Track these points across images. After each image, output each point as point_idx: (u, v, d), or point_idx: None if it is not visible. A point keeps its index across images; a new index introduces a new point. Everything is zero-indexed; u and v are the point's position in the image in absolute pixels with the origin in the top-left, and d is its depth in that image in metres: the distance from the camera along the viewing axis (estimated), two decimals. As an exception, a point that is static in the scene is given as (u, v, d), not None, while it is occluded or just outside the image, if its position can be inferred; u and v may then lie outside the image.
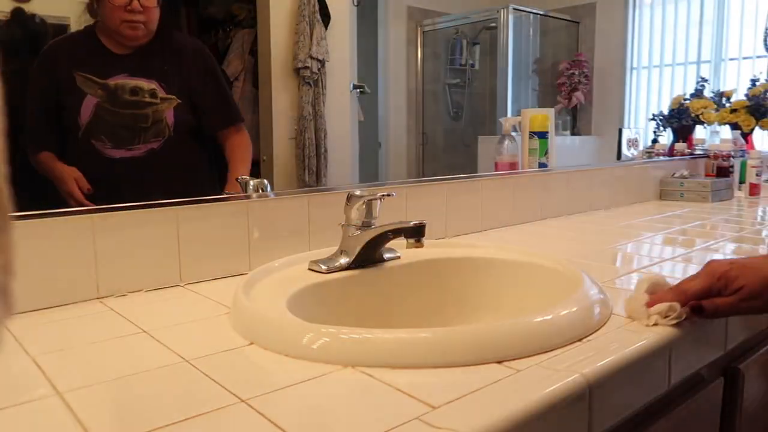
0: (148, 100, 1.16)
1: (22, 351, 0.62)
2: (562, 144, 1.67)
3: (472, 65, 3.25)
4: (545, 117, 1.56)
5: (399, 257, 0.93)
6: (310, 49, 1.39)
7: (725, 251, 1.11)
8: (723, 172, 2.06)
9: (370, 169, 1.70)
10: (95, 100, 1.14)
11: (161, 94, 1.17)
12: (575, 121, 2.97)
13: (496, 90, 3.04)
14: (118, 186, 1.13)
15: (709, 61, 2.73)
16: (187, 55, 1.27)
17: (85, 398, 0.51)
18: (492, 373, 0.55)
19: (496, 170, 1.52)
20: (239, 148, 1.29)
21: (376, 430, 0.45)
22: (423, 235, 0.85)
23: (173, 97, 1.18)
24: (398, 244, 0.90)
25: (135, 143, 1.16)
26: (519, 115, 1.64)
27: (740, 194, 2.05)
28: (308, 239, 1.03)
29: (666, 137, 2.34)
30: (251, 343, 0.64)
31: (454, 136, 3.23)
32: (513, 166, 1.52)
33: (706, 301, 0.65)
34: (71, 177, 1.11)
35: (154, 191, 0.99)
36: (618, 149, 2.12)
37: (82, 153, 1.14)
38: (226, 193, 1.01)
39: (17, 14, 1.08)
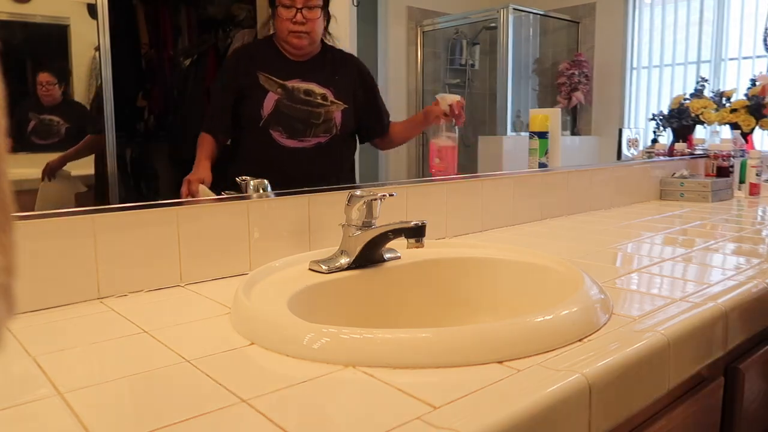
0: (319, 101, 1.34)
1: (23, 351, 0.62)
2: (562, 144, 1.67)
3: (472, 65, 3.25)
4: (545, 117, 1.56)
5: (399, 257, 0.93)
6: (310, 49, 1.39)
7: (725, 251, 1.11)
8: (723, 172, 2.06)
9: (370, 169, 1.70)
10: (276, 96, 1.32)
11: (331, 98, 1.35)
12: (575, 121, 2.97)
13: (496, 90, 3.04)
14: (286, 171, 1.29)
15: (709, 61, 2.73)
16: (352, 68, 1.44)
17: (86, 398, 0.51)
18: (492, 373, 0.55)
19: (430, 157, 1.42)
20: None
21: (377, 430, 0.45)
22: (423, 235, 0.85)
23: (341, 102, 1.36)
24: (398, 244, 0.90)
25: (306, 136, 1.33)
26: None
27: (740, 194, 2.05)
28: (308, 239, 1.03)
29: (666, 137, 2.34)
30: (252, 344, 0.64)
31: (454, 136, 3.23)
32: (450, 151, 1.39)
33: None
34: (195, 177, 1.21)
35: (314, 179, 1.16)
36: (618, 149, 2.12)
37: (260, 140, 1.30)
38: (226, 193, 1.01)
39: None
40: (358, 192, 0.88)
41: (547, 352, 0.60)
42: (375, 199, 0.87)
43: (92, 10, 1.13)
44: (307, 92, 1.34)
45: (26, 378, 0.56)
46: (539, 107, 3.07)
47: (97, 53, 1.15)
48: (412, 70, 2.93)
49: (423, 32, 3.00)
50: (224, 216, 0.93)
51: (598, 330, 0.66)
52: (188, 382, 0.54)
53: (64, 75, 1.17)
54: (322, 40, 1.38)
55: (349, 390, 0.53)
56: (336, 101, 1.37)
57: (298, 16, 1.29)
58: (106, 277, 0.82)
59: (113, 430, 0.47)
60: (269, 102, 1.32)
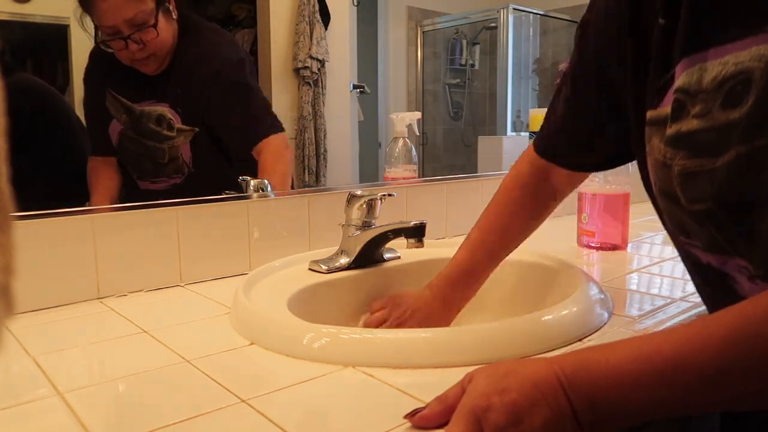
0: (165, 133, 1.08)
1: (22, 351, 0.62)
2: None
3: (472, 65, 3.25)
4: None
5: (399, 257, 0.93)
6: (309, 49, 1.39)
7: (725, 251, 1.11)
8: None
9: (370, 169, 1.70)
10: (119, 127, 1.09)
11: (177, 124, 1.08)
12: (575, 121, 2.96)
13: (496, 90, 3.05)
14: None
15: (709, 61, 2.72)
16: (207, 71, 1.11)
17: (86, 398, 0.51)
18: (492, 373, 0.55)
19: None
20: (266, 164, 1.13)
21: (376, 430, 0.45)
22: (423, 235, 0.85)
23: (189, 128, 1.08)
24: (398, 244, 0.90)
25: (158, 176, 1.11)
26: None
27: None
28: (308, 239, 1.03)
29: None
30: (252, 343, 0.64)
31: (454, 136, 3.24)
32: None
33: None
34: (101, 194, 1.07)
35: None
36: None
37: (122, 177, 1.11)
38: (226, 193, 1.01)
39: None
40: (358, 192, 0.88)
41: (547, 352, 0.60)
42: (375, 199, 0.87)
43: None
44: (159, 120, 1.07)
45: (26, 378, 0.56)
46: (539, 107, 3.06)
47: (96, 53, 1.14)
48: (412, 70, 2.93)
49: (423, 32, 3.00)
50: (224, 216, 0.93)
51: (598, 330, 0.66)
52: (188, 382, 0.54)
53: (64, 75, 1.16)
54: (180, 34, 1.09)
55: (349, 390, 0.53)
56: (183, 127, 1.08)
57: (132, 45, 1.02)
58: (105, 276, 0.82)
59: (113, 430, 0.47)
60: (113, 133, 1.10)
